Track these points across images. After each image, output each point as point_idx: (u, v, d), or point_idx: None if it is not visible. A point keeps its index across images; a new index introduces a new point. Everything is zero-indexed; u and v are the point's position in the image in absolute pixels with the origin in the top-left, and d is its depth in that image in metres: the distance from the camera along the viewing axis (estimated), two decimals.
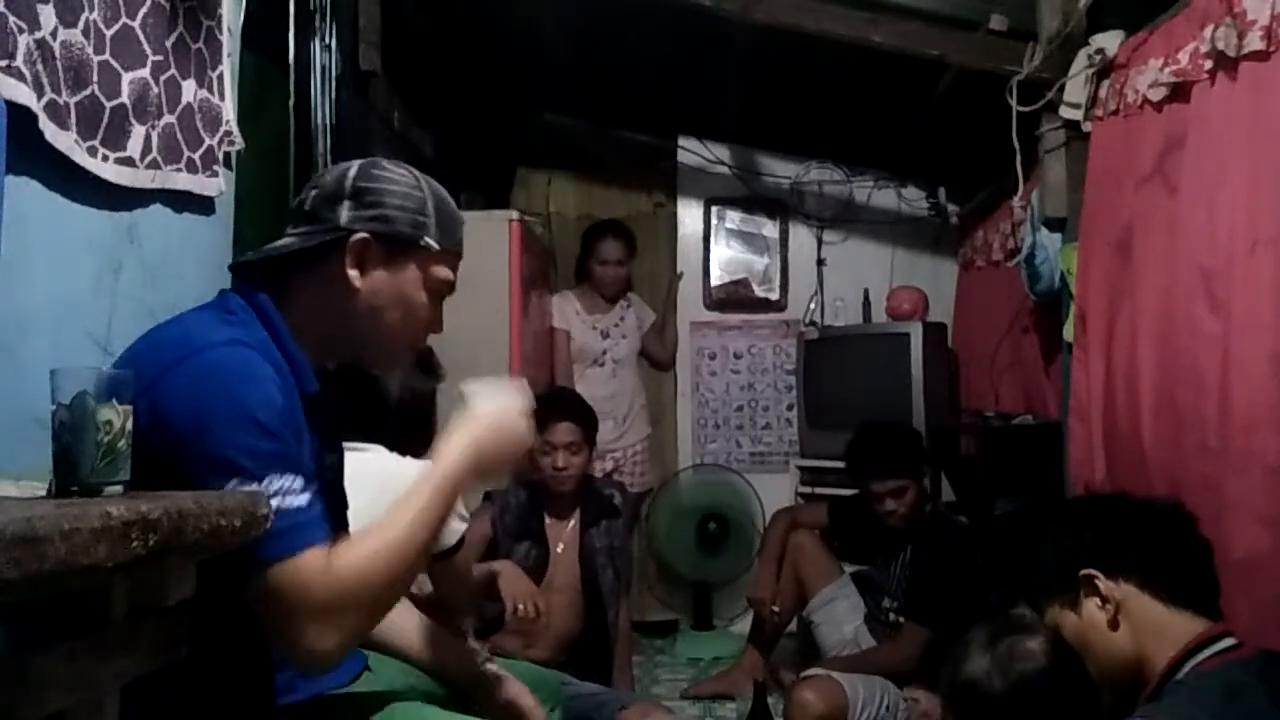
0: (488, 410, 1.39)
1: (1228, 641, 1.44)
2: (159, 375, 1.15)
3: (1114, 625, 1.50)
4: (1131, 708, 1.45)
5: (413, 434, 2.10)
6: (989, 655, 1.54)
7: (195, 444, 1.11)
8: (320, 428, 1.32)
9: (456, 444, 1.33)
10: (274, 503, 1.11)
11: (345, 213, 1.29)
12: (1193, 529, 1.55)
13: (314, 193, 1.32)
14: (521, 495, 2.91)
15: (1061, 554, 1.58)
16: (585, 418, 2.93)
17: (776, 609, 3.27)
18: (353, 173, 1.31)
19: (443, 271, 1.35)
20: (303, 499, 1.15)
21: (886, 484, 2.96)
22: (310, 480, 1.18)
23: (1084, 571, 1.52)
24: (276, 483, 1.13)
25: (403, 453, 2.02)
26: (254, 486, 1.11)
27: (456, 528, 2.10)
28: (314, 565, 1.14)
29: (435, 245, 1.33)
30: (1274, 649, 1.44)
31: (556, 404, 2.97)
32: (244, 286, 1.30)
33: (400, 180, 1.32)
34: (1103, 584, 1.51)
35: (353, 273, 1.29)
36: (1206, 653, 1.42)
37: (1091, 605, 1.52)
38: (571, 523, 2.93)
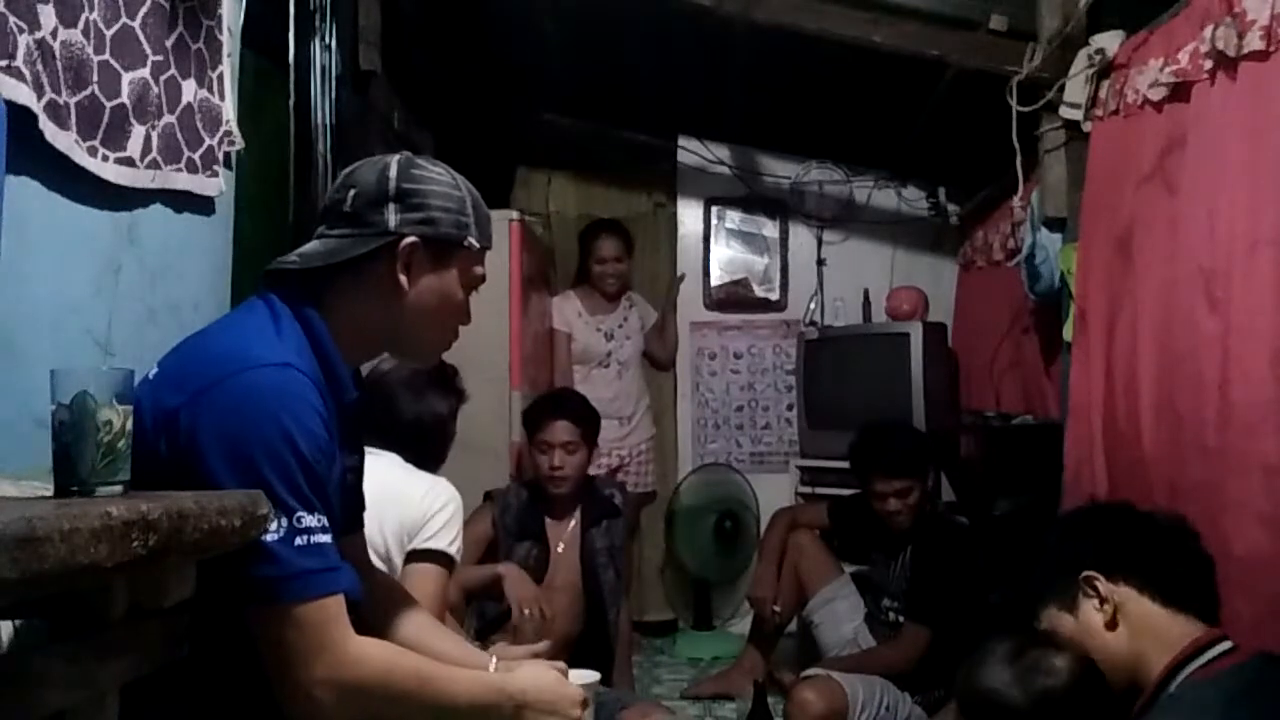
0: (561, 690, 1.38)
1: (1222, 646, 1.44)
2: (206, 388, 1.13)
3: (1112, 626, 1.51)
4: (1127, 712, 1.45)
5: (427, 449, 2.10)
6: (1013, 667, 1.53)
7: (234, 464, 1.11)
8: (347, 432, 1.32)
9: (522, 685, 1.33)
10: (304, 539, 1.13)
11: (393, 216, 1.27)
12: (1196, 542, 1.56)
13: (353, 193, 1.28)
14: (522, 495, 2.91)
15: (1062, 558, 1.59)
16: (583, 417, 2.90)
17: (777, 609, 3.27)
18: (393, 172, 1.28)
19: (480, 269, 1.36)
20: (328, 537, 1.16)
21: (891, 484, 2.95)
22: (331, 514, 1.19)
23: (1084, 574, 1.53)
24: (307, 519, 1.13)
25: (418, 465, 2.02)
26: (283, 520, 1.11)
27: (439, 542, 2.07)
28: (341, 613, 1.16)
29: (477, 245, 1.33)
30: (1271, 650, 1.44)
31: (554, 403, 2.96)
32: (286, 292, 1.27)
33: (441, 180, 1.31)
34: (1102, 585, 1.52)
35: (402, 277, 1.28)
36: (1200, 660, 1.42)
37: (1090, 607, 1.53)
38: (572, 523, 2.92)
